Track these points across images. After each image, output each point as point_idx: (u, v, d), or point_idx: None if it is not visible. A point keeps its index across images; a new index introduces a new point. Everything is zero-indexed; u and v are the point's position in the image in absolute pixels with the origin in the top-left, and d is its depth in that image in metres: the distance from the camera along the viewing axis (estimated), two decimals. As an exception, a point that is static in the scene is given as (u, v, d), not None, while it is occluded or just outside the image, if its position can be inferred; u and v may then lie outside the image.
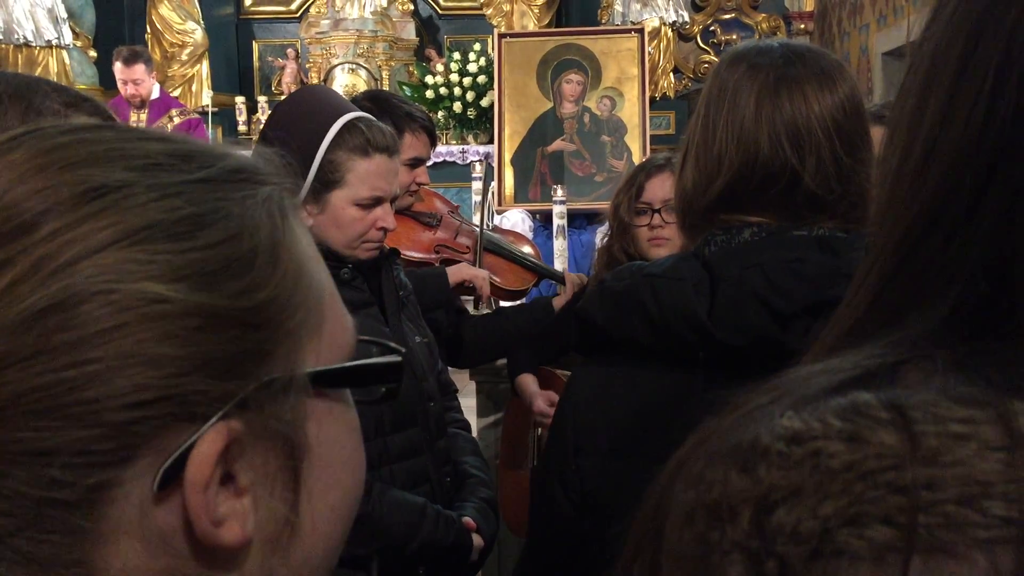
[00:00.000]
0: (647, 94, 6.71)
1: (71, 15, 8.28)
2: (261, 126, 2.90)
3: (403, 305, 2.11)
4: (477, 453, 2.26)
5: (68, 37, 8.07)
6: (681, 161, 1.32)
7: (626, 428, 1.26)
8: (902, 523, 0.34)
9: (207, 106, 7.72)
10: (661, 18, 7.96)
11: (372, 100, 2.60)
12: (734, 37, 8.27)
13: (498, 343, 2.72)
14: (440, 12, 9.51)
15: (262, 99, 8.60)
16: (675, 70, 8.26)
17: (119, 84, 6.25)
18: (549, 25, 8.24)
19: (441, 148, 7.51)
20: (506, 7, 8.24)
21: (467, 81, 8.28)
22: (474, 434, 2.39)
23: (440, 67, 8.53)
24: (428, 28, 9.46)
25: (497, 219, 5.91)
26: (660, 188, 2.49)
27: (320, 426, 0.54)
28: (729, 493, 0.37)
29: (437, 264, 2.81)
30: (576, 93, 6.69)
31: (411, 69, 8.90)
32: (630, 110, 6.66)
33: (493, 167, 4.05)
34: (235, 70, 9.38)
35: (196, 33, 8.60)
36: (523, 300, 2.98)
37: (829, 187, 1.23)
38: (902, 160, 0.45)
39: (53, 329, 0.46)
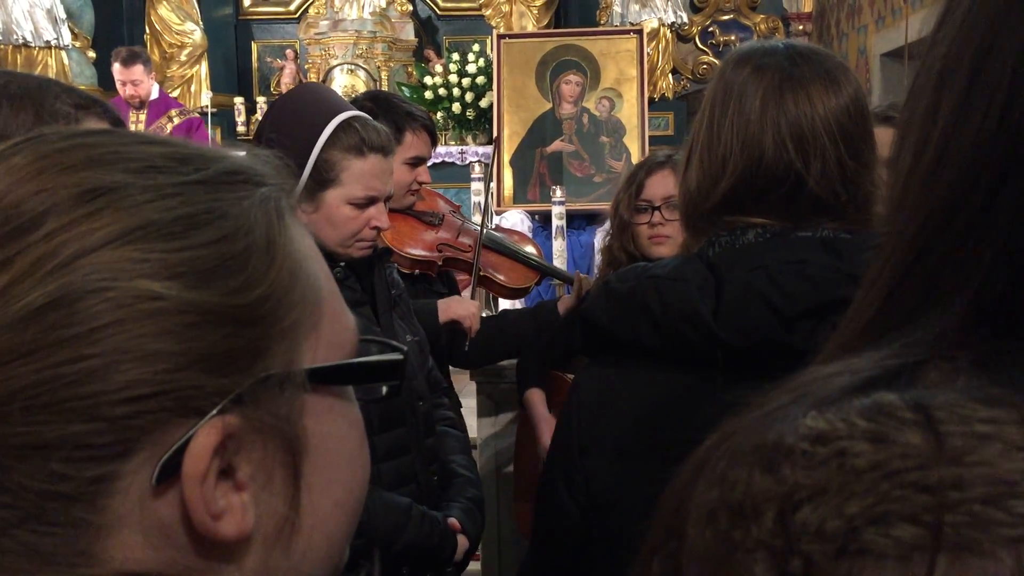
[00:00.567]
0: (646, 95, 6.73)
1: (70, 16, 8.27)
2: (259, 126, 2.90)
3: (395, 304, 2.12)
4: (466, 451, 2.26)
5: (67, 38, 8.06)
6: (685, 162, 1.32)
7: (631, 429, 1.26)
8: (929, 522, 0.34)
9: (206, 107, 7.71)
10: (660, 19, 7.96)
11: (373, 100, 2.61)
12: (732, 38, 8.29)
13: (503, 345, 2.73)
14: (439, 13, 9.50)
15: (261, 100, 8.58)
16: (674, 71, 8.26)
17: (118, 85, 6.26)
18: (548, 26, 8.24)
19: (440, 149, 7.51)
20: (505, 8, 8.24)
21: (466, 82, 8.27)
22: (474, 434, 2.38)
23: (439, 68, 8.53)
24: (427, 29, 9.46)
25: (496, 220, 5.92)
26: (660, 185, 2.48)
27: (320, 422, 0.55)
28: (753, 492, 0.37)
29: (439, 262, 2.82)
30: (575, 94, 6.70)
31: (410, 70, 8.89)
32: (629, 111, 6.67)
33: (491, 165, 4.05)
34: (234, 71, 9.36)
35: (195, 34, 8.59)
36: (524, 299, 2.99)
37: (833, 190, 1.23)
38: (915, 160, 0.45)
39: (52, 326, 0.47)
